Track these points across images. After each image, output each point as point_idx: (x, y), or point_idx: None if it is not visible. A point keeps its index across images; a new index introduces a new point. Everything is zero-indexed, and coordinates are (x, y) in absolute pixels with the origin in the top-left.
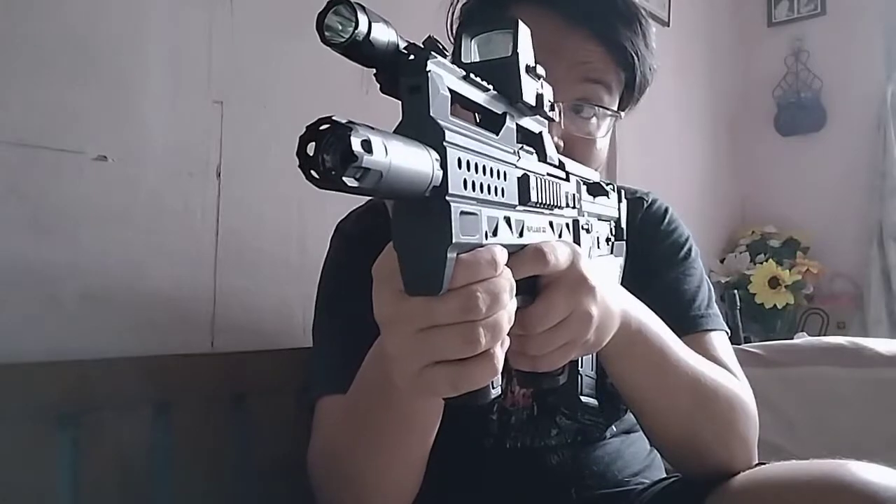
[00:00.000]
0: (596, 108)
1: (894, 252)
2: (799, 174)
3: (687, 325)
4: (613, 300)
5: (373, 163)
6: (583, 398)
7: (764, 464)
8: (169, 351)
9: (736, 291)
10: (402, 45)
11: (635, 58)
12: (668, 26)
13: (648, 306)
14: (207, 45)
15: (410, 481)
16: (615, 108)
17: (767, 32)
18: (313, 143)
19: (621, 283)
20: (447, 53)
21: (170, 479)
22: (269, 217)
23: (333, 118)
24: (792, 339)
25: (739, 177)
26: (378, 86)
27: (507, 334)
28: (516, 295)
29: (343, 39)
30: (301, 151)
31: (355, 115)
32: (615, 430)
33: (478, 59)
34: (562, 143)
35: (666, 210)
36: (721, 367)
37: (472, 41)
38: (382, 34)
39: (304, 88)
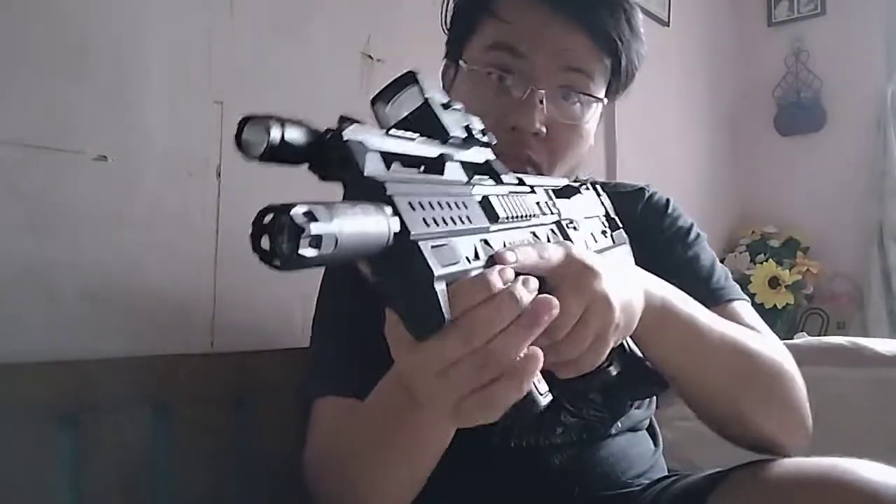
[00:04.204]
0: (580, 95)
1: (894, 252)
2: (799, 174)
3: (710, 298)
4: (630, 281)
5: (322, 228)
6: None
7: (764, 461)
8: (169, 351)
9: None
10: (319, 133)
11: (619, 43)
12: (668, 26)
13: None
14: (207, 45)
15: (412, 490)
16: (601, 94)
17: (767, 32)
18: (266, 236)
19: None
20: (364, 123)
21: (169, 479)
22: None
23: (270, 205)
24: (792, 339)
25: (739, 177)
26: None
27: (539, 347)
28: None
29: (262, 150)
30: (256, 246)
31: (356, 113)
32: (620, 426)
33: (394, 119)
34: (544, 129)
35: (668, 200)
36: (755, 332)
37: (386, 111)
38: (296, 133)
39: (304, 88)
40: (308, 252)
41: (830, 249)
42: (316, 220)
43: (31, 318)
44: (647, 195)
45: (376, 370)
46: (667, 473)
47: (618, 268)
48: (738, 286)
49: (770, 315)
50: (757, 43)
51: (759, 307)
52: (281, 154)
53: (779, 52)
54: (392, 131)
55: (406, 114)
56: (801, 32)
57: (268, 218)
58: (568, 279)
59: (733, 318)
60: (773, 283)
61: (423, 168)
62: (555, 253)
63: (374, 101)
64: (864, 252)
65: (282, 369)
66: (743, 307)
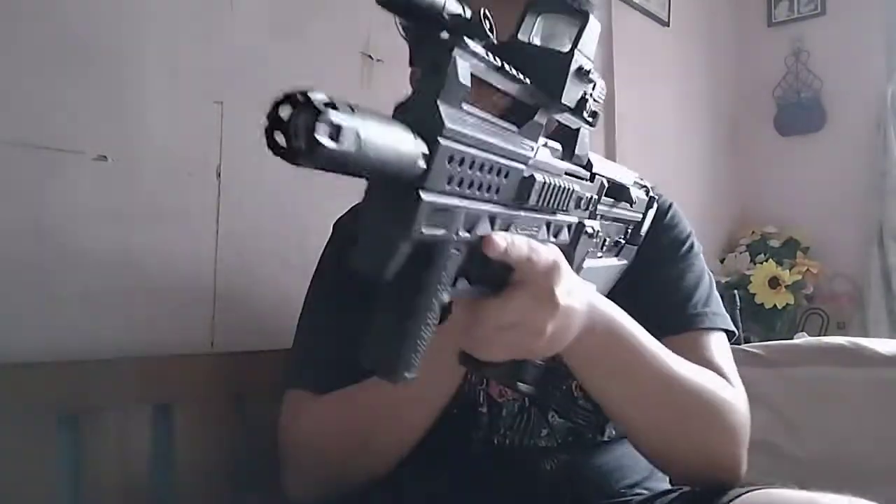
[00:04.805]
0: None
1: (894, 252)
2: (799, 174)
3: (682, 322)
4: (572, 323)
5: (347, 121)
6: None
7: (762, 486)
8: (169, 351)
9: (736, 291)
10: (448, 7)
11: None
12: (668, 26)
13: (646, 302)
14: (207, 45)
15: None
16: None
17: (767, 32)
18: (287, 109)
19: (619, 282)
20: (490, 34)
21: (169, 479)
22: (269, 217)
23: (287, 94)
24: (792, 339)
25: (739, 177)
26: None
27: (460, 312)
28: (481, 283)
29: None
30: (271, 142)
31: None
32: (613, 433)
33: (539, 39)
34: None
35: (670, 206)
36: (710, 372)
37: (539, 18)
38: None
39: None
40: (325, 141)
41: (830, 249)
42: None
43: (31, 318)
44: None
45: (352, 372)
46: (669, 486)
47: (575, 296)
48: (719, 314)
49: (770, 315)
50: (757, 43)
51: (759, 307)
52: (399, 5)
53: (779, 52)
54: (506, 67)
55: (539, 43)
56: (801, 32)
57: (284, 109)
58: (530, 291)
59: (699, 348)
60: (773, 283)
61: (508, 107)
62: (544, 260)
63: (531, 2)
64: (864, 252)
65: (282, 369)
66: (715, 339)
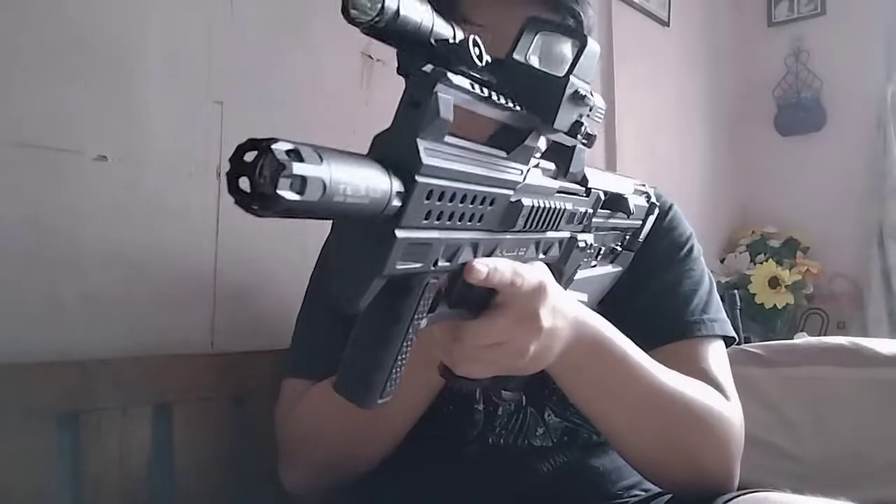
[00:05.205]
0: None
1: (894, 252)
2: (799, 174)
3: (678, 330)
4: (560, 331)
5: (308, 170)
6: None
7: (759, 490)
8: (169, 351)
9: (736, 291)
10: (437, 30)
11: (583, 15)
12: (668, 26)
13: (643, 308)
14: (207, 45)
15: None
16: None
17: (767, 32)
18: (245, 178)
19: (616, 287)
20: (478, 62)
21: (170, 479)
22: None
23: (251, 140)
24: (792, 339)
25: (739, 177)
26: (395, 67)
27: (441, 331)
28: (464, 304)
29: (369, 18)
30: (234, 188)
31: (354, 114)
32: None
33: (536, 58)
34: None
35: (670, 208)
36: (703, 384)
37: (537, 37)
38: (414, 14)
39: (304, 88)
40: (287, 194)
41: (830, 249)
42: (302, 160)
43: (31, 318)
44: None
45: None
46: None
47: (558, 316)
48: (719, 320)
49: (770, 315)
50: (757, 43)
51: (759, 307)
52: (383, 32)
53: (779, 52)
54: (494, 97)
55: (537, 67)
56: (801, 32)
57: (251, 155)
58: (514, 313)
59: (694, 357)
60: (773, 283)
61: (495, 131)
62: (527, 283)
63: (531, 19)
64: (864, 252)
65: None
66: (712, 349)
